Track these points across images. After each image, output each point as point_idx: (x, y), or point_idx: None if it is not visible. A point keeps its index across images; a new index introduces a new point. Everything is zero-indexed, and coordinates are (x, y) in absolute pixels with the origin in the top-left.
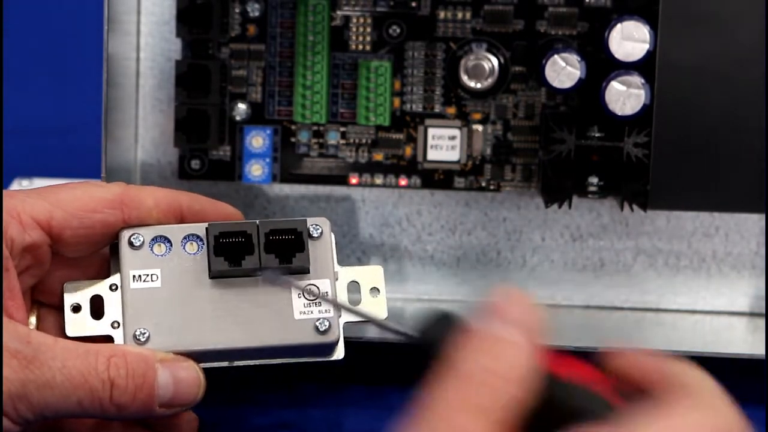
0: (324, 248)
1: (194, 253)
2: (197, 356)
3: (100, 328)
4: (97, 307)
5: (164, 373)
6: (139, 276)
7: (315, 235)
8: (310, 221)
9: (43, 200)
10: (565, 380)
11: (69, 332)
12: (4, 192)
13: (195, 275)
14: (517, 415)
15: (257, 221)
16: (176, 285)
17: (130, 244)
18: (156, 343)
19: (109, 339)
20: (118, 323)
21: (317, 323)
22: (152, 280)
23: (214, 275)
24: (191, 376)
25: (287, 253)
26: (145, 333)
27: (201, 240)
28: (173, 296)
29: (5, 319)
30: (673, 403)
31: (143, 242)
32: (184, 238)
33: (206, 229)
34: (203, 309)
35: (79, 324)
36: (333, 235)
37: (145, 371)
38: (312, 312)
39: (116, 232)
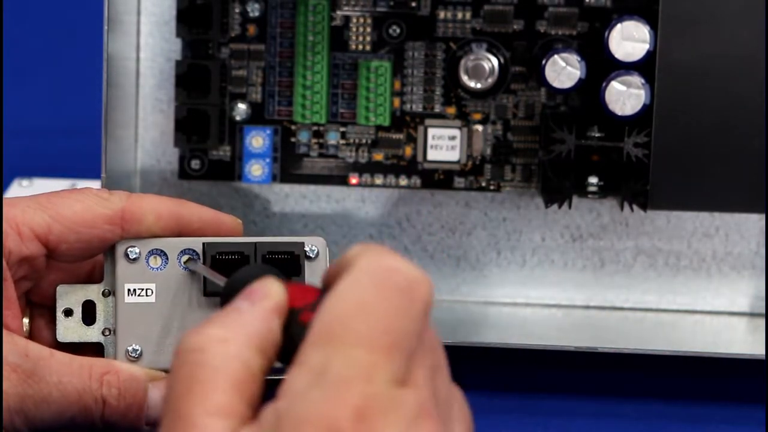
0: (319, 268)
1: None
2: None
3: (92, 334)
4: (89, 312)
5: (154, 393)
6: (134, 290)
7: (311, 255)
8: (307, 242)
9: (44, 212)
10: (300, 322)
11: (60, 338)
12: (4, 200)
13: (189, 291)
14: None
15: (255, 241)
16: (170, 301)
17: (126, 257)
18: (148, 361)
19: (99, 346)
20: (110, 330)
21: None
22: (146, 295)
23: (209, 293)
24: None
25: (283, 275)
26: (137, 350)
27: (197, 254)
28: (167, 312)
29: (4, 332)
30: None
31: (139, 255)
32: (181, 252)
33: (203, 245)
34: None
35: (70, 329)
36: (328, 253)
37: (135, 391)
38: None
39: (113, 243)
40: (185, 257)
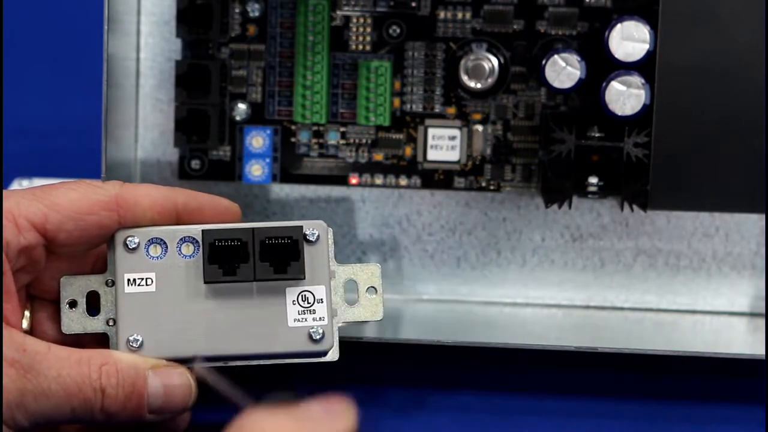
0: (321, 252)
1: (189, 256)
2: (190, 361)
3: (96, 325)
4: (93, 303)
5: (155, 381)
6: (134, 280)
7: (312, 239)
8: (306, 225)
9: (39, 202)
10: None
11: (65, 329)
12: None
13: (189, 280)
14: None
15: (253, 226)
16: (170, 289)
17: (125, 246)
18: (149, 350)
19: (104, 336)
20: (114, 320)
21: (311, 331)
22: (146, 284)
23: (209, 281)
24: (182, 383)
25: (282, 260)
26: (138, 339)
27: (197, 242)
28: (167, 301)
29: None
30: None
31: (138, 245)
32: (180, 240)
33: (202, 232)
34: (197, 315)
35: (75, 321)
36: (331, 234)
37: (134, 380)
38: (306, 320)
39: (112, 231)
40: (185, 244)
